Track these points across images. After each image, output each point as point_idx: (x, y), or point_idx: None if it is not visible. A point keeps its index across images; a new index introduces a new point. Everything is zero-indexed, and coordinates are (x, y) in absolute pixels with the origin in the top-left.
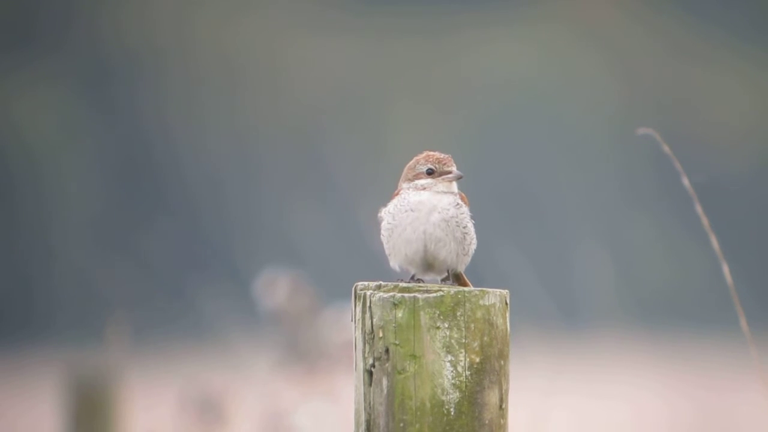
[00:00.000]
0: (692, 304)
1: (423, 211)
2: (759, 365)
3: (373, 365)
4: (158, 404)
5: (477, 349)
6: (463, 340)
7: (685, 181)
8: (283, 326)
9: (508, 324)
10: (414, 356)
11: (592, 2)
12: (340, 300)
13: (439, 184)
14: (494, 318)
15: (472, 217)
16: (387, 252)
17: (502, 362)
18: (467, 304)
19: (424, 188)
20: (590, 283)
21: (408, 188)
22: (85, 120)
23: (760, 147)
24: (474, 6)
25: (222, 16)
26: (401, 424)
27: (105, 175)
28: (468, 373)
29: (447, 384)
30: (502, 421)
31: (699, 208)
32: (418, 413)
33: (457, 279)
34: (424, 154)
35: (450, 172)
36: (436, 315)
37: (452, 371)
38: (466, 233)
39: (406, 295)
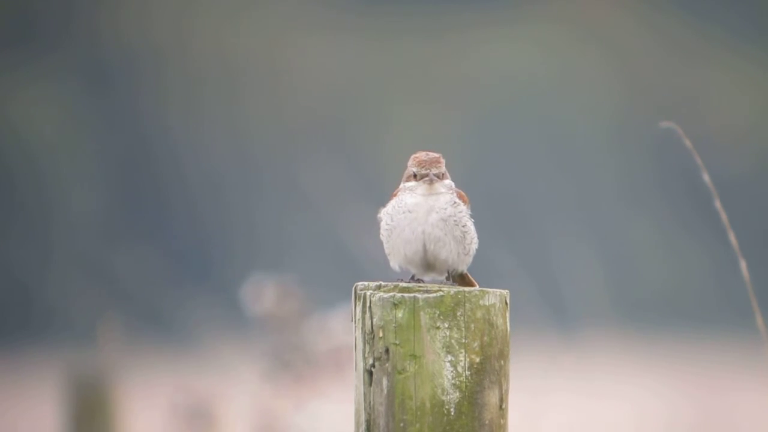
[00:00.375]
0: (692, 305)
1: (420, 212)
2: None
3: (373, 365)
4: (149, 407)
5: (477, 349)
6: (463, 340)
7: (706, 178)
8: (270, 332)
9: (508, 324)
10: (414, 356)
11: (592, 2)
12: (339, 303)
13: (420, 187)
14: (494, 318)
15: (471, 216)
16: (387, 252)
17: (502, 362)
18: (467, 304)
19: (413, 190)
20: (590, 284)
21: (405, 189)
22: (84, 119)
23: (760, 147)
24: (474, 6)
25: (222, 16)
26: (401, 424)
27: (104, 175)
28: (468, 373)
29: (447, 384)
30: (502, 421)
31: (718, 204)
32: (418, 413)
33: (462, 279)
34: (414, 155)
35: (426, 176)
36: (436, 315)
37: (452, 371)
38: (466, 232)
39: (406, 295)
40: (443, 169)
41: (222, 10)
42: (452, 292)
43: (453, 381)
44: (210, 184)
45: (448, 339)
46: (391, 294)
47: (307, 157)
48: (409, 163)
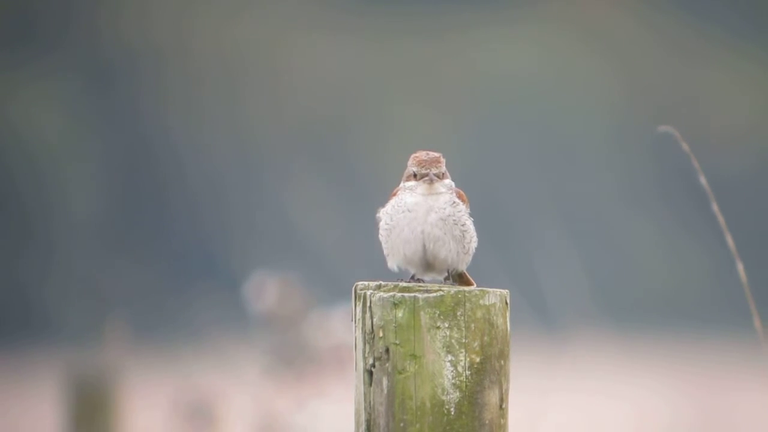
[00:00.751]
0: (692, 305)
1: (420, 211)
2: None
3: (373, 365)
4: (150, 407)
5: (477, 348)
6: (464, 340)
7: (703, 181)
8: (272, 329)
9: (508, 324)
10: (414, 356)
11: (592, 2)
12: (340, 300)
13: (420, 187)
14: (494, 318)
15: (470, 215)
16: (385, 252)
17: (502, 362)
18: (467, 304)
19: (413, 189)
20: (588, 284)
21: (404, 189)
22: (84, 119)
23: (760, 146)
24: (474, 6)
25: (222, 16)
26: (401, 424)
27: (104, 175)
28: (468, 373)
29: (447, 384)
30: (502, 421)
31: (716, 207)
32: (419, 413)
33: (461, 278)
34: (414, 154)
35: (426, 175)
36: (437, 315)
37: (452, 371)
38: (465, 231)
39: (406, 294)
40: (443, 168)
41: (222, 10)
42: (452, 292)
43: (453, 381)
44: (210, 183)
45: (448, 339)
46: (392, 294)
47: (307, 156)
48: (409, 162)
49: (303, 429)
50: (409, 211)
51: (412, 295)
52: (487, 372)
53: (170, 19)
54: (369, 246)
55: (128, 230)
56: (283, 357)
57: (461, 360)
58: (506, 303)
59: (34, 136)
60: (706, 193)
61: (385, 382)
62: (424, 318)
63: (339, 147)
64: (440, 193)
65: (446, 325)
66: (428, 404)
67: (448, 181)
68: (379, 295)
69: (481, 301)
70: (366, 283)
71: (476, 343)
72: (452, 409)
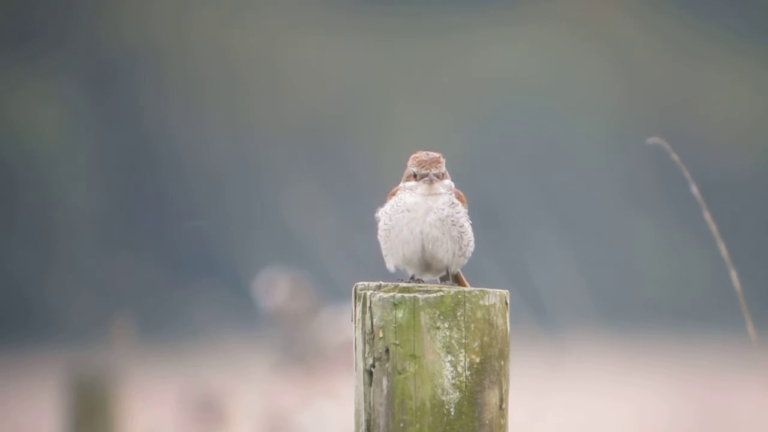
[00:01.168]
0: (692, 305)
1: (419, 211)
2: (766, 370)
3: (373, 365)
4: (157, 404)
5: (477, 349)
6: (464, 340)
7: (694, 190)
8: (281, 326)
9: (508, 324)
10: (414, 356)
11: (592, 2)
12: (341, 300)
13: (420, 187)
14: (494, 318)
15: (469, 218)
16: (384, 253)
17: (502, 362)
18: (467, 305)
19: (413, 190)
20: (587, 285)
21: (404, 189)
22: (84, 119)
23: (760, 146)
24: (474, 6)
25: (222, 16)
26: (401, 424)
27: (104, 175)
28: (468, 373)
29: (447, 384)
30: (502, 421)
31: (707, 216)
32: (418, 413)
33: (456, 279)
34: (414, 155)
35: (426, 175)
36: (436, 315)
37: (452, 371)
38: (463, 232)
39: (406, 295)
40: (443, 169)
41: (222, 10)
42: (452, 292)
43: (453, 381)
44: (210, 183)
45: (448, 339)
46: (391, 294)
47: (308, 157)
48: (409, 162)
49: (310, 427)
50: (408, 211)
51: (412, 295)
52: (487, 372)
53: (170, 20)
54: (369, 246)
55: (128, 230)
56: (292, 354)
57: (461, 360)
58: (506, 303)
59: (34, 135)
60: (703, 194)
61: (385, 382)
62: (424, 318)
63: (339, 147)
64: (440, 193)
65: (446, 326)
66: (428, 404)
67: (448, 181)
68: (379, 295)
69: (481, 302)
70: (366, 283)
71: (476, 344)
72: (452, 410)
